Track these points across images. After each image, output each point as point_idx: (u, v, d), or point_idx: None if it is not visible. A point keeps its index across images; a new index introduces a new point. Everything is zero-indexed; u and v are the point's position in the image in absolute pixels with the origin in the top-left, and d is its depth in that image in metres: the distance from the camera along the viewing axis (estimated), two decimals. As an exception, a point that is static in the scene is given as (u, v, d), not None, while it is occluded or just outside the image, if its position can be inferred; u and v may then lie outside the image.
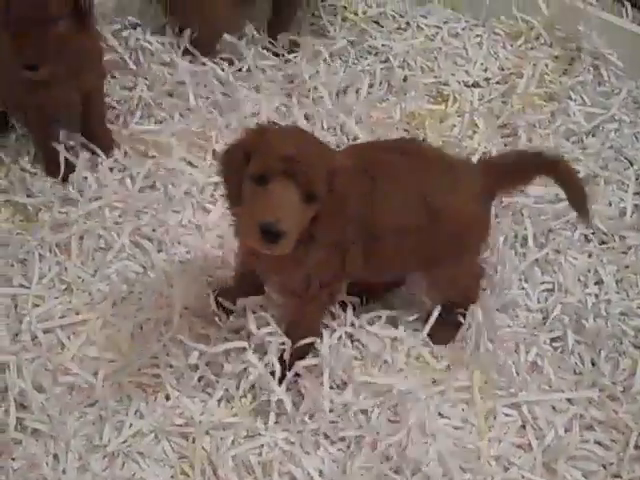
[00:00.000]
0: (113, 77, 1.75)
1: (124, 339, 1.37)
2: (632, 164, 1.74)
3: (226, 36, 1.79)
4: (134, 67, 1.75)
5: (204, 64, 1.76)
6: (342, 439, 1.28)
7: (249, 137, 1.14)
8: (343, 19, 1.96)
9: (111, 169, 1.61)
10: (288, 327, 1.32)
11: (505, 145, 1.71)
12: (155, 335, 1.36)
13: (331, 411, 1.29)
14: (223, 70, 1.77)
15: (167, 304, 1.39)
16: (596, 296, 1.52)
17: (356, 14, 1.97)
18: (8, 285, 1.43)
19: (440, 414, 1.32)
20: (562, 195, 1.58)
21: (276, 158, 1.07)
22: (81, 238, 1.50)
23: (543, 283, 1.54)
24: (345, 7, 1.99)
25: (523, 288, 1.52)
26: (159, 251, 1.50)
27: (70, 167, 1.58)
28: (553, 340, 1.46)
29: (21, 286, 1.43)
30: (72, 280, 1.44)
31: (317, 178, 1.09)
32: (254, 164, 1.10)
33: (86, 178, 1.57)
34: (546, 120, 1.76)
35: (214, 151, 1.65)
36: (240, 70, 1.80)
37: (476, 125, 1.76)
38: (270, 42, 1.84)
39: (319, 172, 1.09)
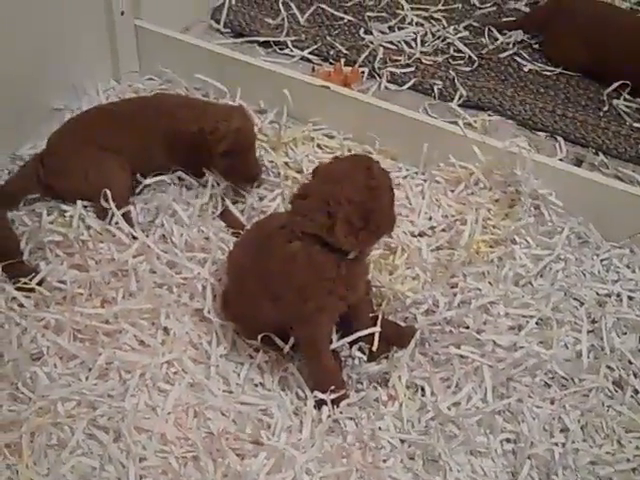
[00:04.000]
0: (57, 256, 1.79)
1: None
2: (582, 303, 1.79)
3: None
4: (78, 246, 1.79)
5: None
6: None
7: (349, 190, 1.43)
8: (286, 177, 2.01)
9: (60, 357, 1.60)
10: None
11: (454, 295, 1.74)
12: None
13: None
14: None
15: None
16: (563, 445, 1.55)
17: (299, 172, 2.04)
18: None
19: None
20: (519, 342, 1.63)
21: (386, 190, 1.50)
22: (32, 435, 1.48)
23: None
24: (287, 164, 2.05)
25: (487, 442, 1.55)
26: (115, 440, 1.49)
27: None
28: (525, 498, 1.47)
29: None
30: (25, 483, 1.42)
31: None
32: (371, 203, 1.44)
33: (35, 373, 1.56)
34: (494, 267, 1.81)
35: (165, 328, 1.66)
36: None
37: (425, 277, 1.80)
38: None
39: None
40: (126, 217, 1.83)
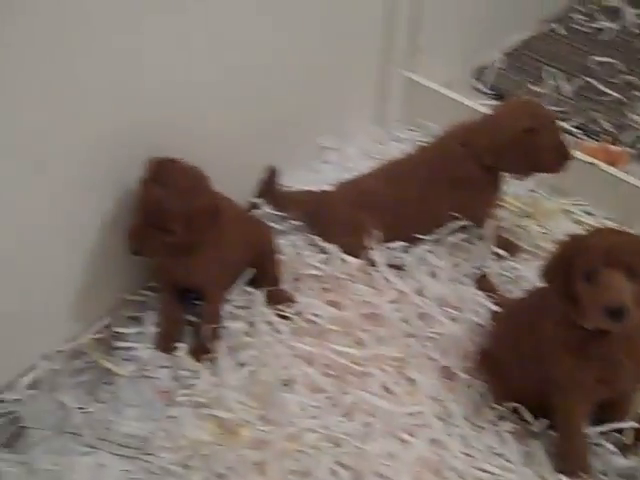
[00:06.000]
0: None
1: None
2: None
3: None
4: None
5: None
6: None
7: (565, 249, 1.45)
8: (540, 247, 2.03)
9: (309, 388, 1.69)
10: None
11: None
12: None
13: None
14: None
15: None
16: None
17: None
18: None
19: None
20: None
21: (600, 255, 1.36)
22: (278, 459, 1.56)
23: None
24: (542, 234, 2.08)
25: None
26: (355, 480, 1.55)
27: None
28: None
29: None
30: (266, 501, 1.50)
31: (634, 260, 1.36)
32: (581, 266, 1.38)
33: (287, 399, 1.65)
34: None
35: (411, 379, 1.71)
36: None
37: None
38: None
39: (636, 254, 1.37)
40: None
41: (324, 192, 2.06)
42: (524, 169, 1.93)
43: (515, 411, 1.64)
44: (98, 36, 1.50)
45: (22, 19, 1.37)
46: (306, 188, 2.13)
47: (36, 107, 1.47)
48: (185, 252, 1.66)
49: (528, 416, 1.63)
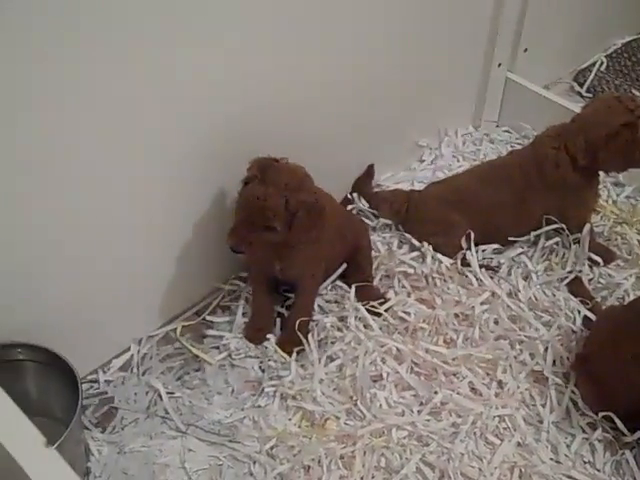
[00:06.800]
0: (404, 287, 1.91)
1: None
2: None
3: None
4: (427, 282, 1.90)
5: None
6: None
7: None
8: (637, 255, 2.00)
9: (396, 385, 1.69)
10: None
11: None
12: None
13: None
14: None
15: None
16: None
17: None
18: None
19: None
20: None
21: None
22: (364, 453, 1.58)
23: None
24: None
25: None
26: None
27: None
28: None
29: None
30: (351, 497, 1.52)
31: None
32: None
33: (375, 395, 1.66)
34: None
35: (500, 382, 1.71)
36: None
37: None
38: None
39: None
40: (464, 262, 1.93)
41: (415, 191, 2.07)
42: (621, 165, 1.90)
43: (607, 419, 1.62)
44: (200, 34, 1.52)
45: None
46: (398, 187, 2.15)
47: (133, 105, 1.48)
48: (285, 249, 1.68)
49: (621, 425, 1.60)
